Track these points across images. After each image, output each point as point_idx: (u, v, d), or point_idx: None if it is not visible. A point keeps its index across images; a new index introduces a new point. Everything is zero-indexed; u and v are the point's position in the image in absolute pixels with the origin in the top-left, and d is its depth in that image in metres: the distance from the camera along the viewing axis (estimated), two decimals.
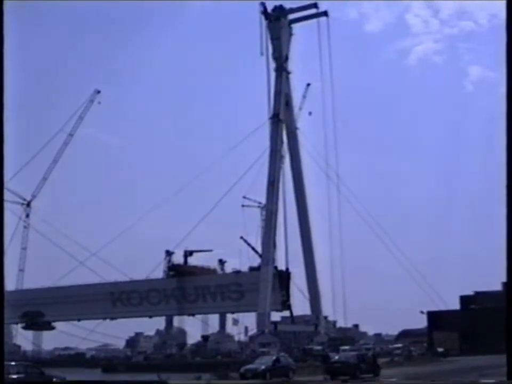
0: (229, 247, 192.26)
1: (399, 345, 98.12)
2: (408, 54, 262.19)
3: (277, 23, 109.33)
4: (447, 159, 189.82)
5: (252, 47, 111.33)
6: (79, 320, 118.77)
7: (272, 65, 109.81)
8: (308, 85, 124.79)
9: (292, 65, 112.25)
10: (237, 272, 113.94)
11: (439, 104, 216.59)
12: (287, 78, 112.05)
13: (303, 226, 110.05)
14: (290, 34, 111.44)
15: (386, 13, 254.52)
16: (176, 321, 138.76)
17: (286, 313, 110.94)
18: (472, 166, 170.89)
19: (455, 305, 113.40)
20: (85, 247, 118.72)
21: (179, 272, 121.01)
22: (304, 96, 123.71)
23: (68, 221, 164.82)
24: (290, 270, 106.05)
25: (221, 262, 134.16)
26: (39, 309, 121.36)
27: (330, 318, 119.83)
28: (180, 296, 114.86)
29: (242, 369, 46.77)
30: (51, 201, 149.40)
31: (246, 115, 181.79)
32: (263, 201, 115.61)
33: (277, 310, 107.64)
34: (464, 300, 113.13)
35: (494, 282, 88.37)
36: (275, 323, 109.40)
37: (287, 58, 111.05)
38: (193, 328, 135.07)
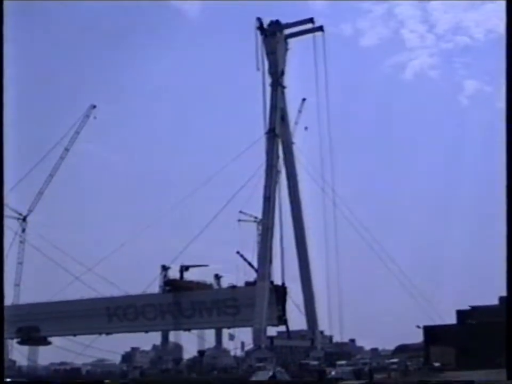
0: (225, 262, 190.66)
1: (395, 360, 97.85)
2: (404, 68, 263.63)
3: (273, 37, 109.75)
4: (443, 174, 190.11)
5: (248, 62, 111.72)
6: (75, 335, 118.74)
7: (268, 80, 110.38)
8: (304, 99, 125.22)
9: (287, 79, 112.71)
10: (233, 287, 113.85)
11: (435, 118, 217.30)
12: (283, 93, 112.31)
13: (299, 241, 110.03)
14: (286, 49, 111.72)
15: (382, 28, 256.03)
16: (172, 336, 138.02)
17: (282, 328, 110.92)
18: (467, 181, 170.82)
19: (452, 319, 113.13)
20: (81, 262, 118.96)
21: (175, 287, 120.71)
22: (299, 111, 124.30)
23: (64, 235, 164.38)
24: (287, 284, 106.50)
25: (217, 277, 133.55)
26: (35, 324, 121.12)
27: (327, 333, 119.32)
28: (176, 311, 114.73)
29: None
30: (47, 216, 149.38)
31: (242, 130, 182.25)
32: (260, 216, 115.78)
33: (273, 325, 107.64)
34: (460, 314, 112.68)
35: (491, 296, 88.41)
36: (271, 338, 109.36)
37: (283, 73, 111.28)
38: (190, 343, 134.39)
